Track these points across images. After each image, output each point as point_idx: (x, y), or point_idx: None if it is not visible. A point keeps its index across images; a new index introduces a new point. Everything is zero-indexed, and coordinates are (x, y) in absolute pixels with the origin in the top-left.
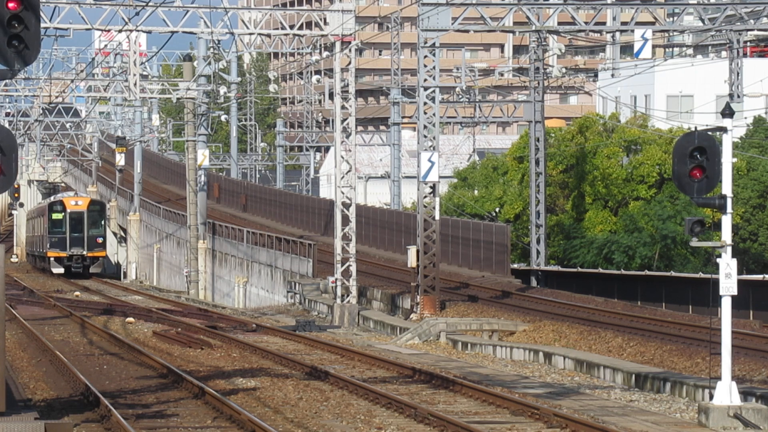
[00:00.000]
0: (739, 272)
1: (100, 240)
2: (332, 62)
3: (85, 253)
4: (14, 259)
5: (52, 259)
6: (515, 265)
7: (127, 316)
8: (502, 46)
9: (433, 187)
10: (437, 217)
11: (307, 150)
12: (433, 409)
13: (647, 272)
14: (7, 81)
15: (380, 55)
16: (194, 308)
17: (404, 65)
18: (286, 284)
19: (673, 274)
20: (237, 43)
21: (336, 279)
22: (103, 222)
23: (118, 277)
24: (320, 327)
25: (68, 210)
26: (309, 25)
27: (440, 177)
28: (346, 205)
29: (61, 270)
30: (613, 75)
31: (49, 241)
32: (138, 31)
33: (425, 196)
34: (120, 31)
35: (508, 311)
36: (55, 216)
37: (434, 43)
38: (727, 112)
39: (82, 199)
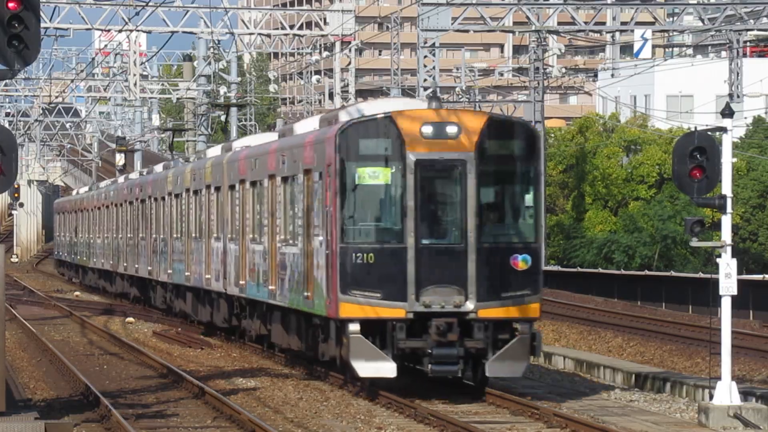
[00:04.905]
0: (739, 272)
1: (523, 263)
2: (332, 62)
3: (472, 308)
4: (14, 259)
5: (349, 328)
6: None
7: (127, 316)
8: (502, 46)
9: None
10: None
11: None
12: (433, 408)
13: (647, 272)
14: (7, 81)
15: (380, 55)
16: None
17: (404, 65)
18: None
19: (673, 274)
20: (237, 43)
21: None
22: (534, 195)
23: None
24: None
25: (412, 157)
26: (309, 25)
27: None
28: None
29: (390, 369)
30: (613, 75)
31: (343, 268)
32: (138, 31)
33: None
34: (120, 31)
35: None
36: (364, 177)
37: (434, 43)
38: (727, 112)
39: (455, 113)
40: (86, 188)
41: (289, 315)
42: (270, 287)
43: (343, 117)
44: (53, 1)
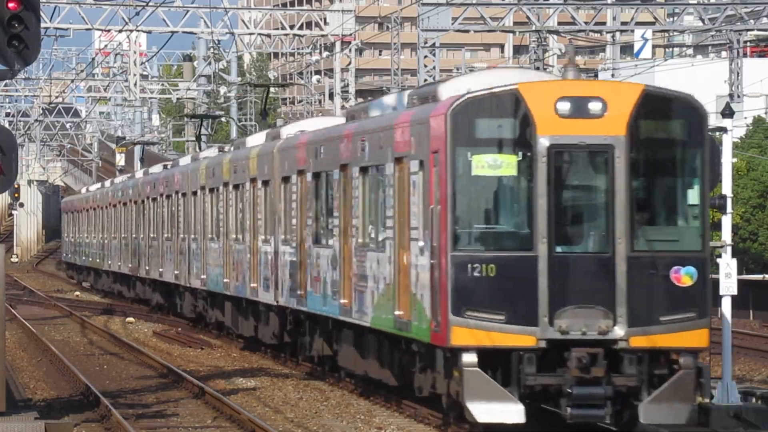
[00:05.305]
0: (739, 272)
1: (687, 277)
2: (332, 62)
3: (622, 335)
4: (14, 259)
5: (464, 359)
6: None
7: (127, 316)
8: (502, 46)
9: None
10: None
11: None
12: (433, 408)
13: None
14: (7, 81)
15: (380, 55)
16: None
17: (404, 65)
18: None
19: None
20: (237, 43)
21: None
22: (700, 191)
23: None
24: None
25: (544, 142)
26: (309, 25)
27: None
28: None
29: (516, 412)
30: (613, 75)
31: (456, 283)
32: (138, 31)
33: None
34: (120, 31)
35: None
36: (482, 167)
37: (434, 43)
38: (727, 112)
39: (599, 86)
40: (98, 185)
41: (368, 336)
42: (341, 301)
43: (445, 92)
44: (53, 1)
